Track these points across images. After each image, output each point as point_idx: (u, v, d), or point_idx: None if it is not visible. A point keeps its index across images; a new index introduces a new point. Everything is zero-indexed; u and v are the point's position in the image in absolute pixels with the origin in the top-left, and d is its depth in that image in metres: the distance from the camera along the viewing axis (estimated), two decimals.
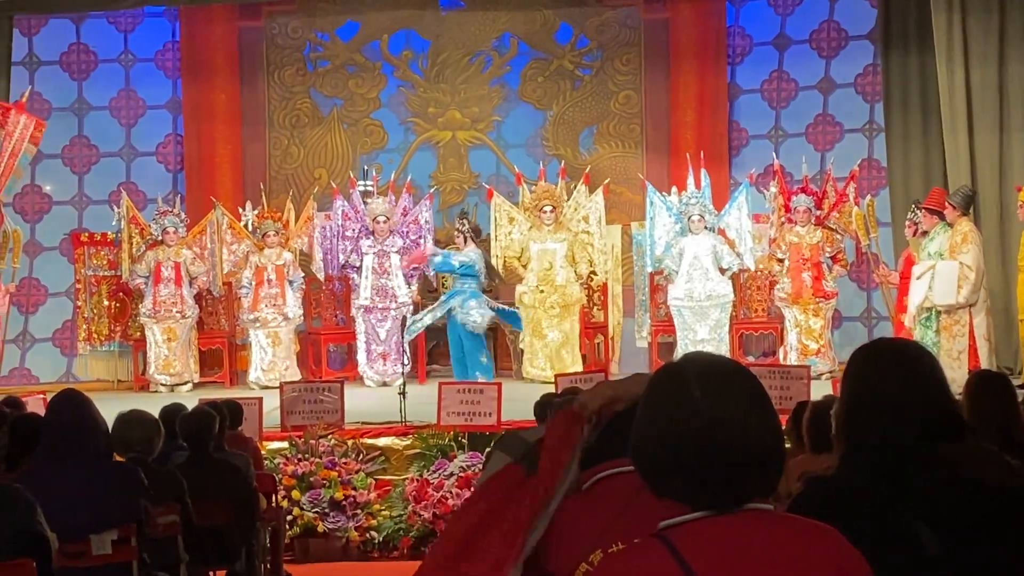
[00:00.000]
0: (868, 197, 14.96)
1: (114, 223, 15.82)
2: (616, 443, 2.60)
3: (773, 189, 15.09)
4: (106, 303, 15.90)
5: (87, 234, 16.33)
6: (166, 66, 17.51)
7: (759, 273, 15.27)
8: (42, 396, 10.75)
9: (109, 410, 6.19)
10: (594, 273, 15.13)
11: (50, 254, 17.05)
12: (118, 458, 6.15)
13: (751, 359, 15.16)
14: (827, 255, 14.70)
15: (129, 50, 17.42)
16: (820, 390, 10.68)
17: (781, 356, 14.61)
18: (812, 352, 14.36)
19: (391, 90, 17.58)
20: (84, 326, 15.88)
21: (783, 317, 14.78)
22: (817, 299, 14.52)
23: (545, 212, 14.77)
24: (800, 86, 17.13)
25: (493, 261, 15.05)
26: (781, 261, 14.74)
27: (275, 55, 17.53)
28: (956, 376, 11.17)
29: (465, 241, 14.57)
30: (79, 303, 15.99)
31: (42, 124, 14.65)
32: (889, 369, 2.99)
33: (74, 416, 5.49)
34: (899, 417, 2.90)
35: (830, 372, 14.07)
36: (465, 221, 14.61)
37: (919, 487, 2.83)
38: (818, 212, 14.81)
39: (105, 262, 15.97)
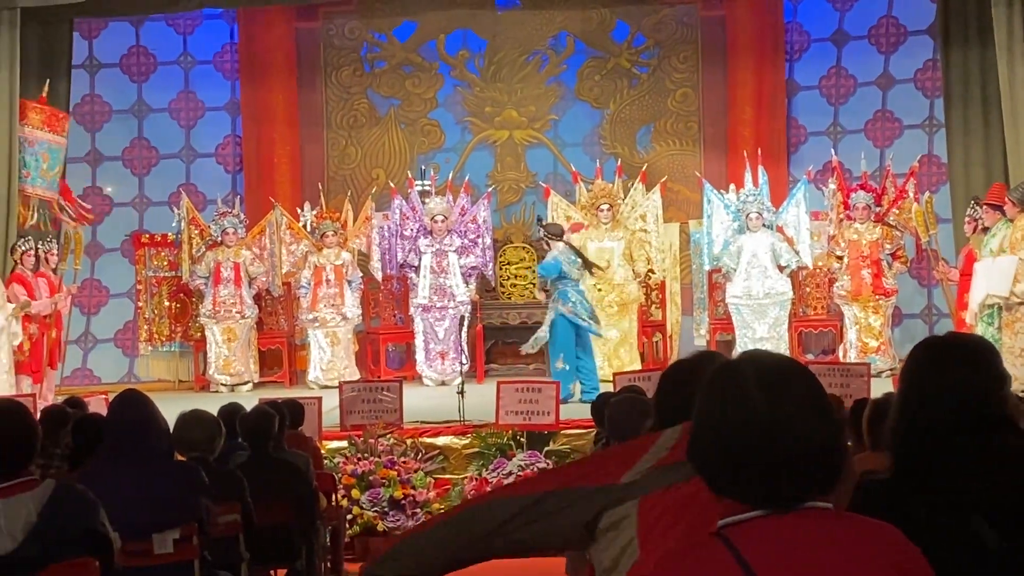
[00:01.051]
0: (928, 193, 14.81)
1: (174, 224, 15.94)
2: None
3: (832, 186, 15.00)
4: (167, 304, 16.02)
5: (148, 235, 16.45)
6: (224, 68, 17.62)
7: (818, 270, 15.20)
8: (104, 396, 10.84)
9: (170, 410, 6.23)
10: (652, 271, 15.11)
11: (111, 255, 17.21)
12: (179, 458, 6.19)
13: (810, 357, 15.09)
14: (887, 252, 14.61)
15: (188, 52, 17.55)
16: (880, 388, 10.60)
17: (841, 354, 14.53)
18: (872, 350, 14.28)
19: (448, 90, 17.60)
20: (145, 327, 16.00)
21: (842, 314, 14.70)
22: (877, 296, 14.43)
23: (602, 211, 14.77)
24: (859, 82, 17.02)
25: None
26: (840, 258, 14.66)
27: (332, 56, 17.59)
28: (1019, 373, 11.08)
29: (550, 245, 13.54)
30: (140, 304, 16.12)
31: (60, 115, 14.75)
32: (948, 364, 2.96)
33: (135, 416, 5.53)
34: (957, 412, 2.87)
35: (890, 369, 13.96)
36: (543, 228, 13.99)
37: (977, 483, 2.81)
38: (877, 209, 14.71)
39: (165, 263, 16.09)
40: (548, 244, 13.43)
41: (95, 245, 16.99)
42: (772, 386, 2.28)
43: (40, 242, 14.14)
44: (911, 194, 14.67)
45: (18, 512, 4.25)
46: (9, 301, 13.28)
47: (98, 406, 9.89)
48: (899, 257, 14.73)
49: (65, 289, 14.28)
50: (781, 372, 2.33)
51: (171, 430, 6.00)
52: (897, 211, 14.73)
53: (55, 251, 14.33)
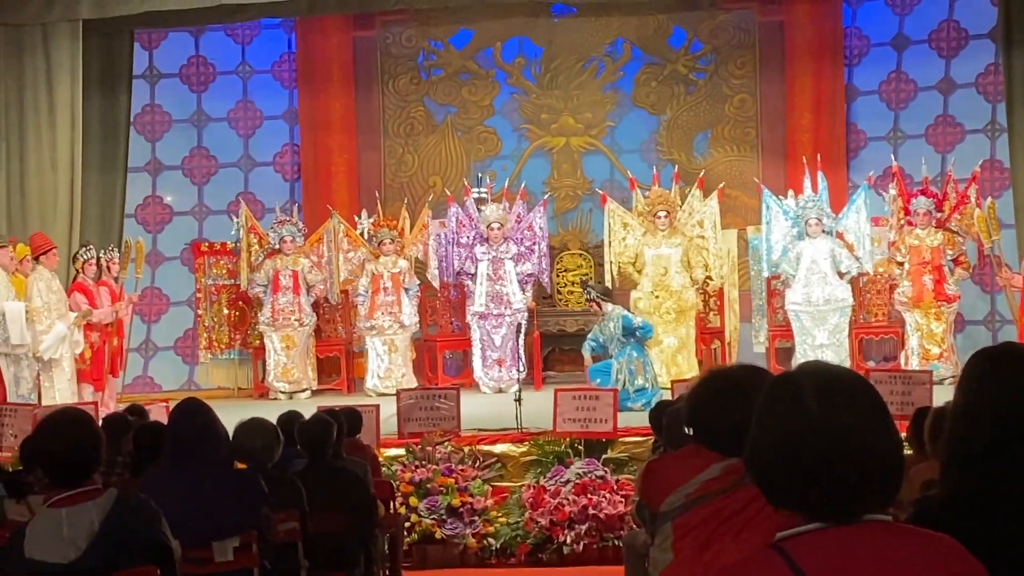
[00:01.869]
0: (990, 199, 14.67)
1: (233, 233, 16.03)
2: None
3: (892, 191, 14.88)
4: (226, 312, 16.12)
5: (207, 244, 16.57)
6: (283, 77, 17.73)
7: (878, 277, 15.10)
8: (164, 404, 10.92)
9: (229, 417, 6.27)
10: (710, 278, 15.05)
11: (171, 264, 17.37)
12: (239, 465, 6.22)
13: (871, 364, 14.99)
14: (948, 258, 14.47)
15: (246, 62, 17.68)
16: (943, 395, 10.50)
17: (902, 361, 14.42)
18: (934, 357, 14.15)
19: (504, 97, 17.63)
20: (205, 334, 16.10)
21: (904, 321, 14.57)
22: (939, 303, 14.30)
23: (659, 217, 14.73)
24: (919, 87, 16.90)
25: (606, 267, 15.01)
26: (901, 264, 14.54)
27: (389, 64, 17.66)
28: None
29: (600, 306, 13.35)
30: (200, 312, 16.23)
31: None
32: (1006, 374, 2.91)
33: (196, 424, 5.57)
34: (1014, 424, 2.82)
35: (952, 377, 13.81)
36: (590, 290, 13.68)
37: None
38: (939, 214, 14.58)
39: (224, 271, 16.19)
40: (599, 306, 13.26)
41: (155, 254, 17.15)
42: (831, 398, 2.27)
43: (102, 251, 14.28)
44: (973, 199, 14.52)
45: (81, 521, 4.28)
46: (71, 310, 13.41)
47: (159, 414, 9.97)
48: (961, 263, 14.59)
49: (126, 297, 14.41)
50: (839, 384, 2.32)
51: (230, 438, 6.03)
52: (959, 216, 14.59)
53: (116, 260, 14.47)
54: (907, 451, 6.71)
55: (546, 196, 16.45)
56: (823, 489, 2.23)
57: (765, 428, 2.31)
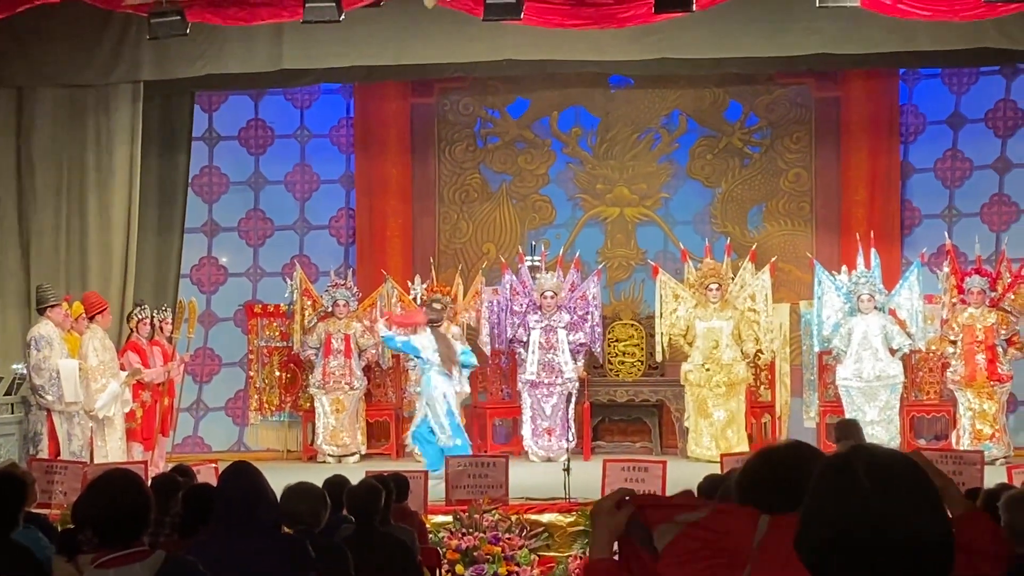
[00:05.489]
0: None
1: (287, 295, 16.13)
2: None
3: (946, 269, 14.83)
4: (277, 374, 16.20)
5: (260, 306, 16.67)
6: (340, 142, 17.87)
7: (931, 354, 15.01)
8: (214, 465, 10.96)
9: (278, 480, 6.28)
10: (760, 352, 15.01)
11: (224, 324, 17.47)
12: (286, 530, 6.22)
13: (922, 442, 14.88)
14: (1002, 337, 14.38)
15: (305, 126, 17.83)
16: (994, 476, 10.44)
17: (954, 440, 14.30)
18: (986, 437, 14.03)
19: (560, 166, 17.69)
20: (256, 396, 16.17)
21: (956, 400, 14.47)
22: (992, 382, 14.20)
23: (711, 290, 14.73)
24: (975, 165, 16.86)
25: (657, 338, 15.04)
26: (954, 343, 14.45)
27: (446, 131, 17.77)
28: None
29: (438, 322, 14.09)
30: (251, 373, 16.31)
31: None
32: None
33: (246, 488, 5.58)
34: None
35: (1005, 458, 13.72)
36: (432, 309, 14.26)
37: None
38: (992, 293, 14.51)
39: (277, 333, 16.28)
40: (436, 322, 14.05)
41: (209, 314, 17.26)
42: (884, 481, 2.27)
43: (155, 310, 14.39)
44: None
45: None
46: (122, 368, 13.51)
47: (208, 475, 10.02)
48: (1015, 343, 14.48)
49: (178, 357, 14.50)
50: (892, 467, 2.32)
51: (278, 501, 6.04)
52: (1012, 296, 14.52)
53: (170, 320, 14.56)
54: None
55: (600, 266, 16.47)
56: (873, 571, 2.22)
57: (817, 510, 2.31)
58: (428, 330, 13.86)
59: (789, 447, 3.30)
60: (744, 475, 3.31)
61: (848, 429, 10.59)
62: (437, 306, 14.30)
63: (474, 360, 14.40)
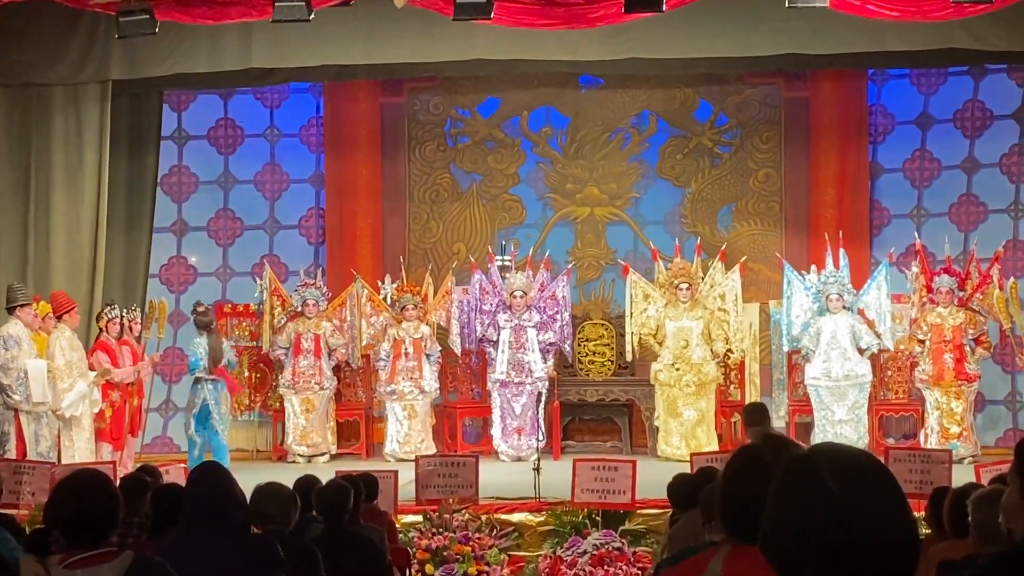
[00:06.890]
0: (1012, 279, 14.67)
1: (256, 295, 16.09)
2: None
3: (915, 269, 14.90)
4: (247, 373, 16.14)
5: (230, 305, 16.63)
6: (310, 141, 17.83)
7: (899, 354, 15.08)
8: (183, 466, 10.95)
9: (247, 480, 6.27)
10: (730, 351, 15.04)
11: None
12: (255, 530, 6.21)
13: (891, 441, 14.95)
14: (970, 337, 14.44)
15: (274, 125, 17.79)
16: (961, 475, 10.49)
17: (922, 439, 14.37)
18: (953, 436, 14.10)
19: (530, 166, 17.69)
20: None
21: (924, 399, 14.53)
22: (959, 381, 14.26)
23: (681, 289, 14.76)
24: (943, 165, 16.93)
25: (628, 338, 15.08)
26: (922, 342, 14.52)
27: (416, 131, 17.76)
28: None
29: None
30: None
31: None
32: None
33: (214, 488, 5.56)
34: None
35: (972, 456, 13.79)
36: (196, 314, 15.05)
37: None
38: (961, 293, 14.57)
39: (247, 333, 16.24)
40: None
41: (178, 314, 17.18)
42: (849, 479, 2.27)
43: (124, 310, 14.33)
44: (995, 280, 14.52)
45: None
46: (91, 368, 13.46)
47: (177, 475, 9.99)
48: (982, 343, 14.55)
49: (148, 358, 14.45)
50: (857, 466, 2.32)
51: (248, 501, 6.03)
52: (981, 296, 14.59)
53: (139, 319, 14.52)
54: (925, 531, 6.70)
55: (569, 265, 16.48)
56: (841, 571, 2.23)
57: (782, 510, 2.31)
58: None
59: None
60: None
61: (756, 414, 10.49)
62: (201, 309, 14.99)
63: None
